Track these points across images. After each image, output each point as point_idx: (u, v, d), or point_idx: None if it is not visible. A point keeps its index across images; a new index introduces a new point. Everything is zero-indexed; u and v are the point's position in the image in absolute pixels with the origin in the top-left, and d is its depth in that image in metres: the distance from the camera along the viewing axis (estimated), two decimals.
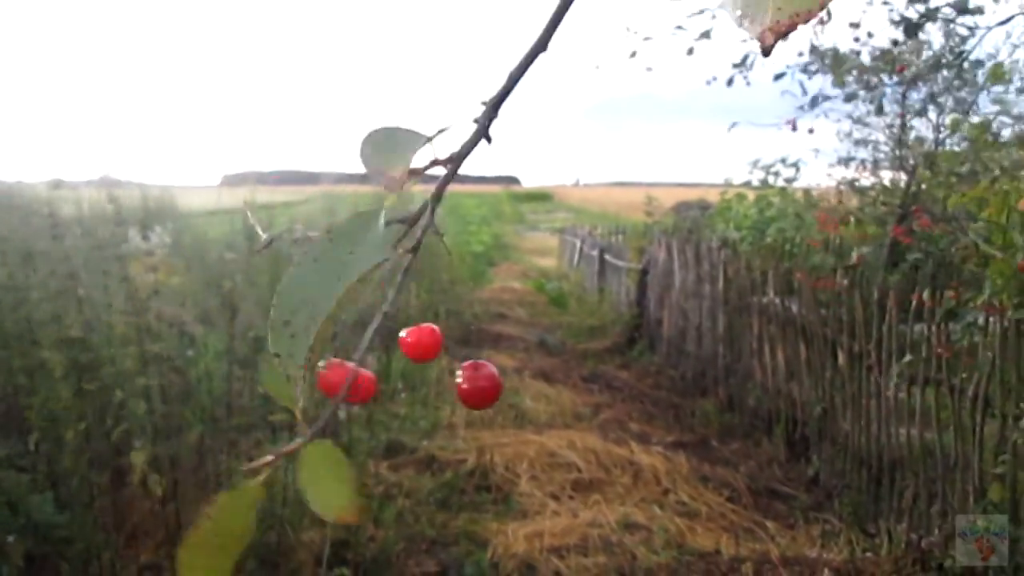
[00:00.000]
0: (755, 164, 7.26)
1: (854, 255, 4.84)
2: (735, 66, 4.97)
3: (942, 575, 2.72)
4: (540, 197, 47.17)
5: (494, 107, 0.52)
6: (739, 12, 0.39)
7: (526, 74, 0.53)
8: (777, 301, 4.38)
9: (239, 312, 2.96)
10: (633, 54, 4.91)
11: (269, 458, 0.47)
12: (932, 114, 5.87)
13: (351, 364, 0.53)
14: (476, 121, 0.52)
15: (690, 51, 4.73)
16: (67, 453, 2.34)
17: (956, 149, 5.46)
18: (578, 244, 11.31)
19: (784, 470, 4.00)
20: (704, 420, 4.84)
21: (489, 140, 0.52)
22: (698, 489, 3.74)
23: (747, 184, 7.42)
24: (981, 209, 2.94)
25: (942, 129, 5.60)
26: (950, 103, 5.56)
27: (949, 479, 2.89)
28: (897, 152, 5.99)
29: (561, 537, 3.24)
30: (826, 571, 2.89)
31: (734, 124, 5.39)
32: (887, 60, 4.76)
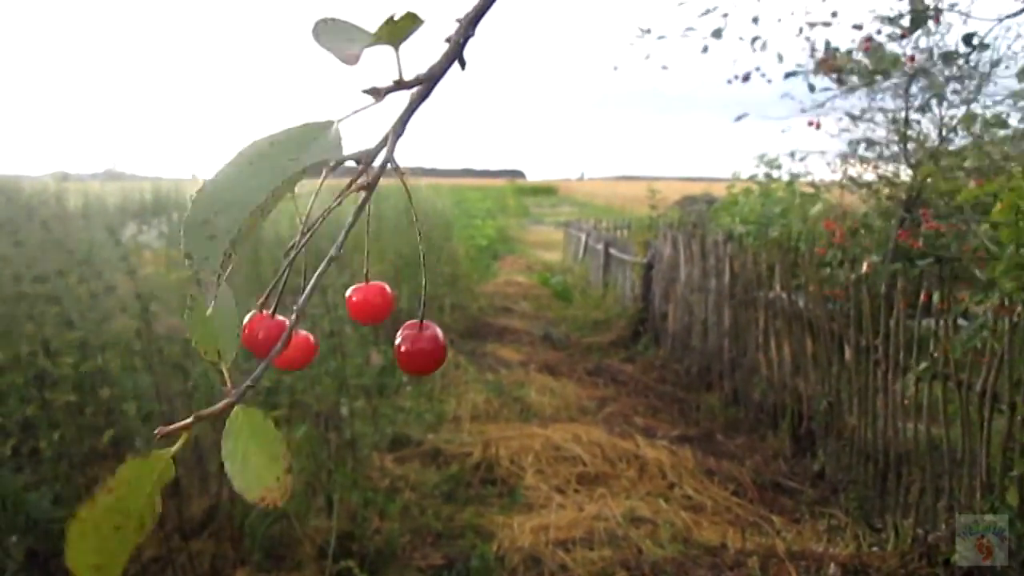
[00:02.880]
0: (761, 159, 7.23)
1: (864, 265, 4.82)
2: (744, 79, 4.96)
3: (948, 570, 2.71)
4: (545, 191, 47.11)
5: (470, 23, 0.46)
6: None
7: None
8: (783, 295, 4.37)
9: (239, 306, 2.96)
10: (647, 56, 4.91)
11: (187, 421, 0.42)
12: (935, 108, 5.84)
13: (282, 318, 0.46)
14: (448, 40, 0.46)
15: (704, 49, 4.72)
16: (66, 453, 2.34)
17: (961, 143, 5.44)
18: (583, 238, 11.29)
19: (790, 464, 4.00)
20: (709, 414, 4.84)
21: (463, 64, 0.46)
22: (703, 483, 3.74)
23: (753, 178, 7.39)
24: (994, 203, 2.92)
25: (945, 124, 5.57)
26: (952, 96, 5.53)
27: (956, 474, 2.88)
28: (900, 147, 5.97)
29: (567, 530, 3.24)
30: (832, 565, 2.88)
31: (742, 116, 5.36)
32: (883, 59, 4.74)
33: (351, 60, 0.43)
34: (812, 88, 5.11)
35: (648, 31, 4.88)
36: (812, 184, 6.94)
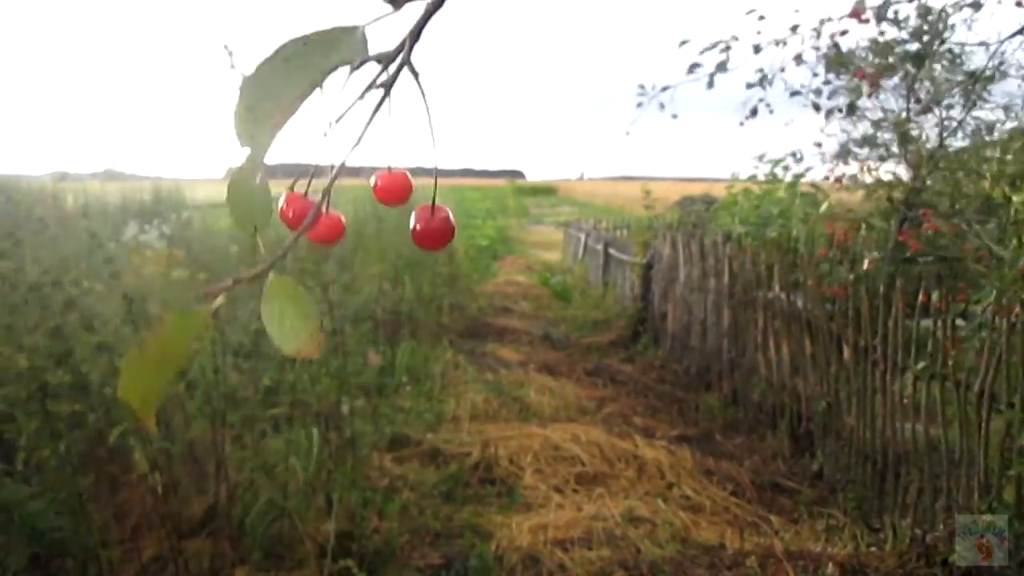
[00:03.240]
0: (761, 159, 7.23)
1: (865, 263, 4.82)
2: (749, 86, 4.95)
3: (946, 570, 2.72)
4: (545, 191, 47.15)
5: None
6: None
7: None
8: (782, 296, 4.37)
9: (239, 304, 2.96)
10: (662, 106, 4.90)
11: (227, 283, 0.47)
12: (936, 109, 5.85)
13: (313, 198, 0.52)
14: None
15: (710, 84, 4.73)
16: (48, 469, 2.34)
17: (960, 144, 5.45)
18: (583, 238, 11.30)
19: (788, 465, 4.00)
20: (708, 414, 4.84)
21: None
22: (702, 483, 3.74)
23: (753, 178, 7.39)
24: (991, 208, 2.93)
25: (946, 126, 5.57)
26: (955, 99, 5.54)
27: (954, 474, 2.89)
28: (901, 148, 5.97)
29: (565, 530, 3.24)
30: (830, 565, 2.89)
31: (753, 110, 5.33)
32: (881, 50, 4.74)
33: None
34: (817, 108, 5.11)
35: (653, 87, 4.88)
36: (813, 184, 6.94)
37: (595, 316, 7.83)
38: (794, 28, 4.69)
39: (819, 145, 5.55)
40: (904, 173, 5.87)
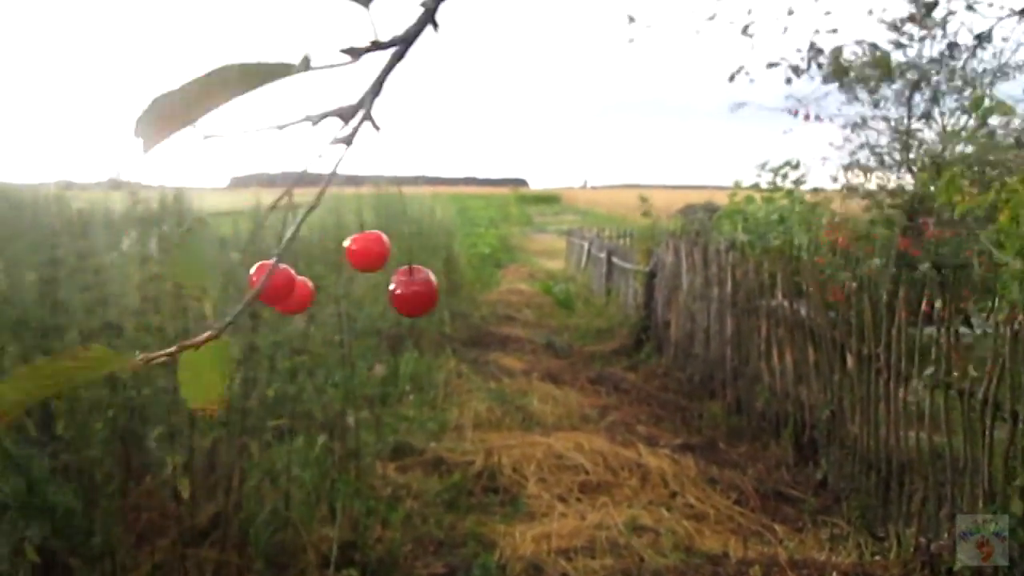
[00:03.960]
0: (762, 167, 7.25)
1: (871, 265, 4.83)
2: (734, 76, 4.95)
3: None
4: (548, 199, 47.12)
5: None
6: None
7: None
8: (785, 304, 4.37)
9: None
10: (631, 40, 4.88)
11: (172, 349, 0.46)
12: (937, 116, 5.87)
13: (284, 266, 0.50)
14: (423, 4, 0.47)
15: (697, 32, 4.74)
16: (94, 443, 2.37)
17: (961, 150, 5.46)
18: (586, 246, 11.31)
19: (792, 473, 3.99)
20: (712, 423, 4.84)
21: (436, 26, 0.47)
22: (706, 492, 3.74)
23: (755, 187, 7.40)
24: (993, 215, 2.93)
25: (948, 132, 5.58)
26: (953, 103, 5.56)
27: (958, 483, 2.88)
28: (902, 155, 5.98)
29: (569, 539, 3.24)
30: (834, 574, 2.88)
31: (740, 105, 5.34)
32: (881, 63, 4.76)
33: None
34: (799, 115, 5.12)
35: (633, 19, 4.85)
36: (814, 191, 6.96)
37: (598, 324, 7.84)
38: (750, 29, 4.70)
39: (797, 114, 5.55)
40: (907, 181, 5.89)
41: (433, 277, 0.53)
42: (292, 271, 0.50)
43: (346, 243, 0.54)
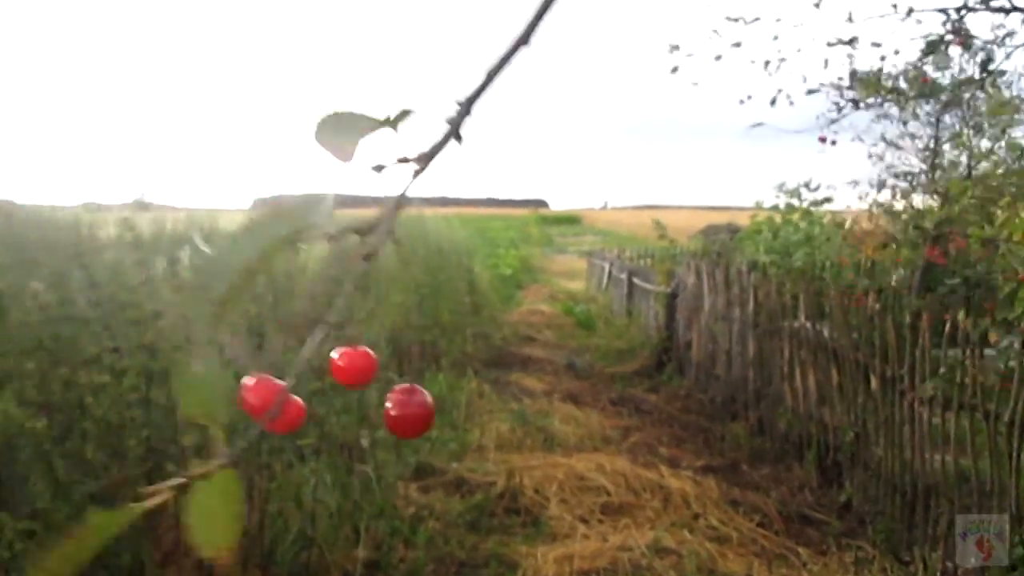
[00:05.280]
0: (781, 188, 7.25)
1: (893, 278, 4.79)
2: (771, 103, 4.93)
3: None
4: (568, 220, 47.22)
5: (467, 105, 0.50)
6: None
7: (504, 71, 0.50)
8: (808, 325, 4.36)
9: (267, 335, 3.01)
10: (675, 69, 4.89)
11: (178, 481, 0.44)
12: (967, 138, 5.84)
13: (279, 382, 0.48)
14: (448, 121, 0.50)
15: (718, 58, 4.73)
16: (129, 461, 2.41)
17: (995, 171, 5.42)
18: (606, 267, 11.32)
19: (816, 496, 3.96)
20: (734, 444, 4.81)
21: (460, 139, 0.50)
22: (728, 514, 3.72)
23: (775, 208, 7.40)
24: (1010, 236, 2.92)
25: (976, 154, 5.56)
26: (986, 126, 5.53)
27: (985, 506, 2.85)
28: (930, 176, 5.96)
29: (591, 560, 3.23)
30: None
31: (756, 125, 5.32)
32: (912, 77, 4.74)
33: (343, 156, 0.48)
34: (840, 109, 5.06)
35: (677, 47, 4.86)
36: (834, 214, 6.94)
37: (619, 345, 7.83)
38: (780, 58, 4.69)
39: (825, 142, 5.50)
40: (933, 202, 5.86)
41: (429, 398, 0.52)
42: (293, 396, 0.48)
43: (333, 355, 0.52)
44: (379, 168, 0.49)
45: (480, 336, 7.41)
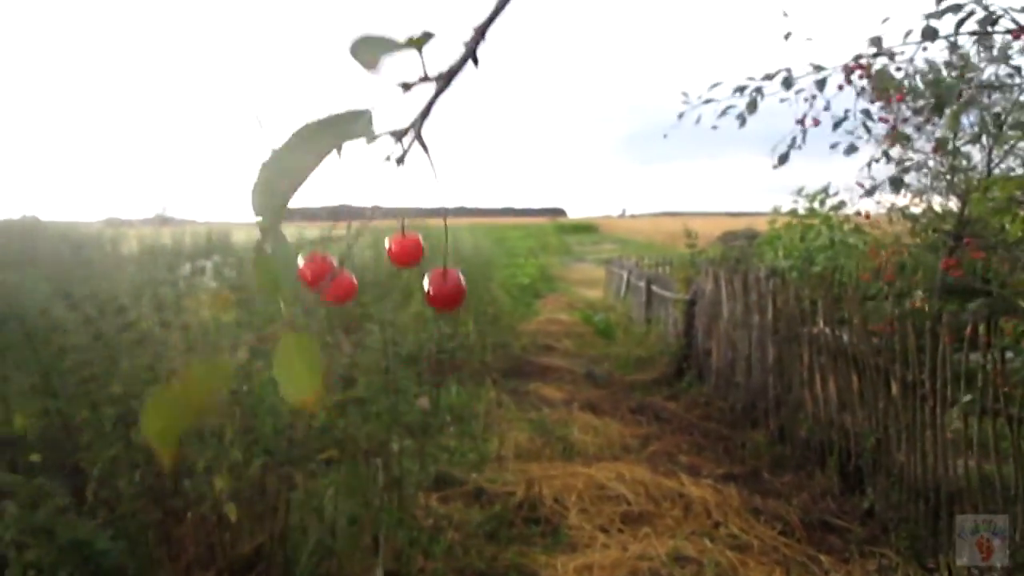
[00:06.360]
0: (799, 192, 7.22)
1: (916, 300, 4.74)
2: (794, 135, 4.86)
3: None
4: (586, 228, 47.22)
5: (481, 32, 0.55)
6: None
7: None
8: (827, 331, 4.33)
9: None
10: (698, 120, 4.87)
11: (251, 337, 0.52)
12: (985, 139, 5.78)
13: (331, 259, 0.58)
14: (464, 44, 0.55)
15: (742, 123, 4.72)
16: (125, 498, 2.43)
17: (1015, 172, 5.36)
18: (625, 275, 11.29)
19: (838, 503, 3.93)
20: (755, 452, 4.78)
21: (476, 63, 0.56)
22: (749, 522, 3.69)
23: (793, 213, 7.36)
24: None
25: (994, 155, 5.50)
26: (1006, 126, 5.47)
27: (1010, 511, 2.82)
28: (949, 177, 5.90)
29: (611, 570, 3.22)
30: None
31: (785, 156, 5.30)
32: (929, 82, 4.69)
33: (371, 67, 0.54)
34: (869, 133, 4.99)
35: (698, 98, 4.85)
36: (856, 215, 6.89)
37: (638, 353, 7.80)
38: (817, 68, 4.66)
39: (861, 186, 5.46)
40: (952, 204, 5.81)
41: (462, 278, 0.63)
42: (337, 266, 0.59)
43: (386, 243, 0.64)
44: (405, 86, 0.55)
45: (499, 346, 7.42)
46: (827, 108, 4.85)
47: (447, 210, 0.60)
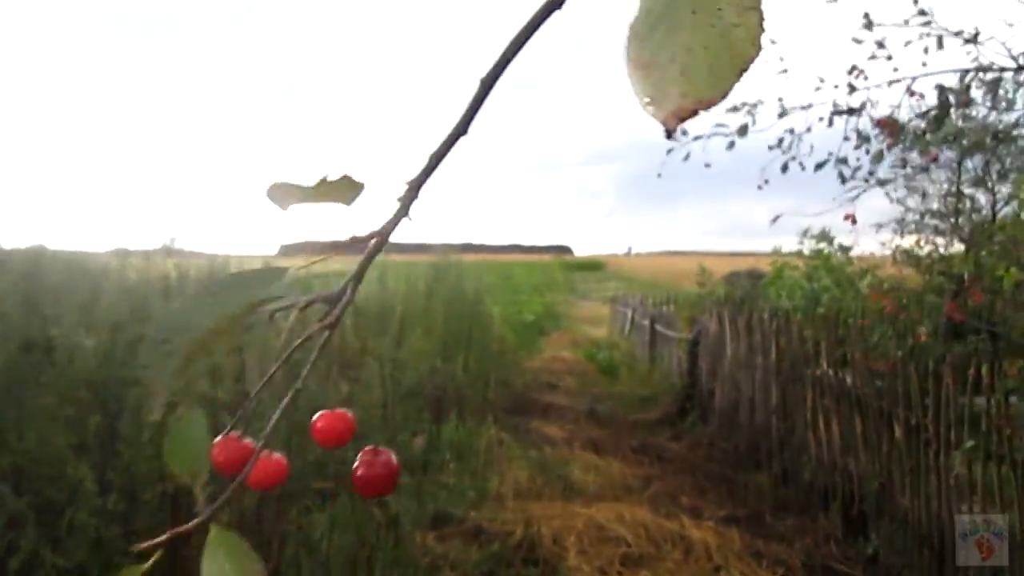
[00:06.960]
0: (804, 234, 7.23)
1: (921, 333, 4.73)
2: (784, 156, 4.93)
3: None
4: (591, 266, 47.28)
5: (415, 188, 0.54)
6: (647, 99, 0.41)
7: (446, 157, 0.54)
8: (831, 373, 4.30)
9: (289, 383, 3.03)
10: (686, 157, 4.93)
11: (163, 538, 0.44)
12: (989, 183, 5.80)
13: (251, 441, 0.49)
14: (399, 200, 0.53)
15: (731, 146, 4.77)
16: (143, 513, 2.43)
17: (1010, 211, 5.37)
18: (629, 313, 11.29)
19: (841, 547, 3.87)
20: (758, 494, 4.72)
21: (410, 219, 0.54)
22: (751, 566, 3.64)
23: (798, 253, 7.37)
24: None
25: (999, 198, 5.52)
26: (1010, 170, 5.49)
27: (1017, 558, 2.77)
28: (953, 221, 5.91)
29: None
30: None
31: (777, 217, 5.37)
32: (932, 127, 4.72)
33: (285, 206, 0.53)
34: (845, 179, 5.03)
35: (685, 132, 4.92)
36: (860, 258, 6.89)
37: (641, 392, 7.77)
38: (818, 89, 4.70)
39: (850, 219, 5.47)
40: (956, 248, 5.81)
41: (395, 459, 0.54)
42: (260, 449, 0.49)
43: (314, 419, 0.54)
44: (338, 246, 0.53)
45: (501, 382, 7.39)
46: (810, 152, 4.89)
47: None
